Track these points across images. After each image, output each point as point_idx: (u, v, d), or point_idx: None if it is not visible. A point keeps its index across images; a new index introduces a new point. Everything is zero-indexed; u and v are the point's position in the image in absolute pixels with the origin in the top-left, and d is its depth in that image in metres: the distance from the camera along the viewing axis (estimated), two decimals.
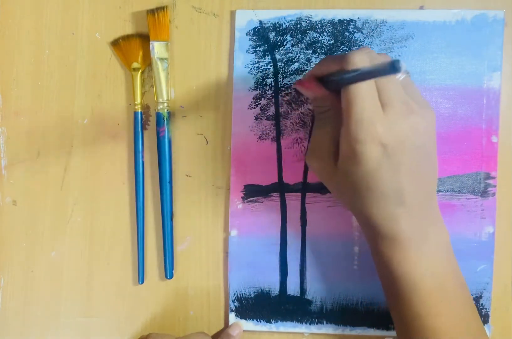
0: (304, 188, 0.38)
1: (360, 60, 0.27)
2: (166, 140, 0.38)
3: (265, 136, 0.38)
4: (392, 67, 0.23)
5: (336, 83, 0.29)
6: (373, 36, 0.37)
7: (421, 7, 0.38)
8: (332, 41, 0.38)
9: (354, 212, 0.31)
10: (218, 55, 0.39)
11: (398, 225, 0.29)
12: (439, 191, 0.37)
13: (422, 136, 0.28)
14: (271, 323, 0.38)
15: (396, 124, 0.27)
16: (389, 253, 0.30)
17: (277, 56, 0.38)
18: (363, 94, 0.27)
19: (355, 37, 0.37)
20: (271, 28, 0.38)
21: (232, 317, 0.38)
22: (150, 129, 0.39)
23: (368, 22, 0.37)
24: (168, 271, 0.38)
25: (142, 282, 0.39)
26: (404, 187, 0.28)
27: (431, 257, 0.30)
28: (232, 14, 0.38)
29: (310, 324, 0.38)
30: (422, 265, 0.29)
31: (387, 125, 0.27)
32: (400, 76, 0.29)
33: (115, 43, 0.39)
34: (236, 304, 0.38)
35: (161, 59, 0.38)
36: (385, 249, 0.30)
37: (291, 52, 0.38)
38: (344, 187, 0.30)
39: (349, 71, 0.27)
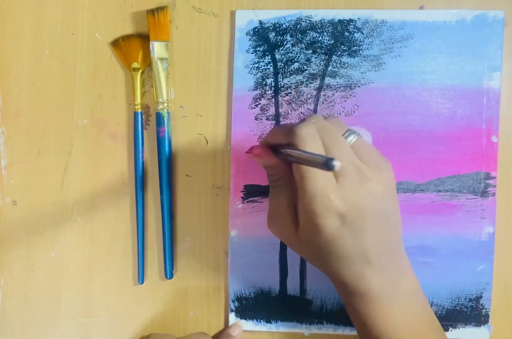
0: None
1: (307, 134, 0.27)
2: (166, 140, 0.38)
3: None
4: (325, 165, 0.23)
5: (284, 156, 0.29)
6: (373, 36, 0.37)
7: (421, 7, 0.38)
8: (332, 41, 0.38)
9: (322, 271, 0.31)
10: (218, 55, 0.39)
11: (367, 282, 0.29)
12: (439, 190, 0.37)
13: (380, 201, 0.28)
14: (271, 323, 0.38)
15: (351, 193, 0.27)
16: (362, 308, 0.30)
17: (277, 56, 0.38)
18: (312, 168, 0.27)
19: (355, 37, 0.37)
20: (271, 28, 0.38)
21: (232, 317, 0.38)
22: (150, 129, 0.39)
23: (368, 22, 0.37)
24: (168, 271, 0.38)
25: (142, 282, 0.39)
26: (367, 249, 0.28)
27: (403, 308, 0.30)
28: (232, 14, 0.38)
29: (310, 324, 0.38)
30: (395, 317, 0.29)
31: (342, 196, 0.27)
32: (350, 141, 0.29)
33: (115, 43, 0.39)
34: (236, 304, 0.38)
35: (161, 59, 0.38)
36: (358, 305, 0.30)
37: (291, 52, 0.38)
38: (308, 252, 0.30)
39: (293, 150, 0.27)
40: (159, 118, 0.38)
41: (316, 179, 0.27)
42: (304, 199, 0.27)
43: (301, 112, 0.38)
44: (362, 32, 0.37)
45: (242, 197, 0.38)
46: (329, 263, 0.29)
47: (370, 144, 0.30)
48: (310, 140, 0.27)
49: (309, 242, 0.29)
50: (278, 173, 0.30)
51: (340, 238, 0.27)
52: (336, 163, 0.22)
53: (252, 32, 0.38)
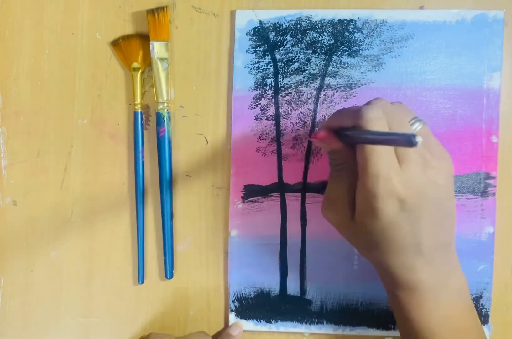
0: (304, 188, 0.38)
1: (374, 116, 0.27)
2: (166, 140, 0.38)
3: (265, 136, 0.38)
4: (408, 141, 0.22)
5: (350, 138, 0.28)
6: (373, 36, 0.37)
7: (421, 7, 0.38)
8: (332, 41, 0.38)
9: (372, 261, 0.31)
10: (218, 55, 0.39)
11: (417, 276, 0.29)
12: None
13: (440, 189, 0.28)
14: (271, 323, 0.38)
15: (413, 179, 0.27)
16: (407, 302, 0.29)
17: (277, 56, 0.38)
18: (379, 150, 0.26)
19: (355, 37, 0.37)
20: (271, 28, 0.38)
21: (232, 317, 0.38)
22: (150, 129, 0.39)
23: (368, 22, 0.37)
24: (168, 271, 0.38)
25: (142, 282, 0.39)
26: (422, 239, 0.28)
27: (449, 305, 0.29)
28: (232, 14, 0.38)
29: (310, 324, 0.38)
30: (440, 313, 0.29)
31: (404, 181, 0.26)
32: (417, 127, 0.28)
33: (115, 43, 0.39)
34: (236, 304, 0.38)
35: (161, 59, 0.38)
36: (404, 298, 0.29)
37: (291, 52, 0.38)
38: (361, 239, 0.30)
39: (364, 131, 0.27)
40: (159, 118, 0.38)
41: (381, 161, 0.26)
42: (366, 181, 0.27)
43: (301, 112, 0.38)
44: (362, 32, 0.37)
45: (242, 197, 0.38)
46: (381, 251, 0.29)
47: (432, 134, 0.30)
48: (378, 123, 0.27)
49: (364, 227, 0.28)
50: (341, 157, 0.30)
51: (396, 224, 0.27)
52: (419, 139, 0.22)
53: (252, 32, 0.38)
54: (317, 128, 0.38)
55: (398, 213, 0.27)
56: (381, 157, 0.26)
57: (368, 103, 0.29)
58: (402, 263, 0.28)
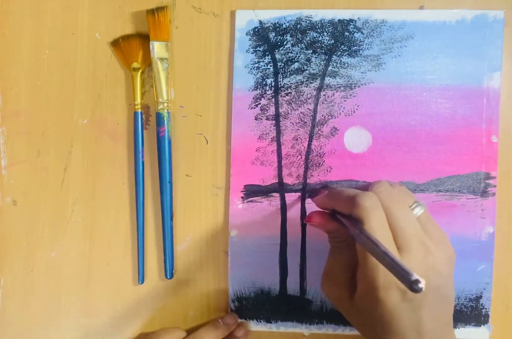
0: (304, 188, 0.38)
1: (370, 206, 0.26)
2: (166, 140, 0.38)
3: (265, 136, 0.38)
4: (411, 287, 0.21)
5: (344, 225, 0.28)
6: (373, 36, 0.37)
7: (421, 7, 0.38)
8: (332, 41, 0.38)
9: None
10: (218, 55, 0.39)
11: None
12: (439, 190, 0.37)
13: (441, 278, 0.27)
14: (271, 323, 0.38)
15: (415, 268, 0.26)
16: None
17: (277, 56, 0.38)
18: (378, 233, 0.26)
19: (355, 37, 0.37)
20: (271, 28, 0.38)
21: None
22: (150, 129, 0.39)
23: (368, 22, 0.37)
24: (168, 271, 0.38)
25: (142, 282, 0.39)
26: (423, 324, 0.27)
27: None
28: (232, 14, 0.38)
29: (310, 324, 0.38)
30: None
31: None
32: (418, 211, 0.28)
33: (115, 43, 0.39)
34: (236, 304, 0.38)
35: (161, 59, 0.38)
36: None
37: (291, 52, 0.38)
38: (360, 319, 0.29)
39: (356, 224, 0.26)
40: (159, 118, 0.38)
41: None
42: (366, 270, 0.26)
43: (301, 112, 0.38)
44: (362, 32, 0.37)
45: (242, 197, 0.38)
46: (381, 334, 0.28)
47: (431, 217, 0.29)
48: (372, 213, 0.26)
49: (364, 311, 0.28)
50: (340, 236, 0.30)
51: (397, 313, 0.27)
52: (422, 285, 0.21)
53: (252, 32, 0.38)
54: (316, 133, 0.38)
55: (399, 302, 0.26)
56: (380, 240, 0.26)
57: (366, 187, 0.28)
58: None
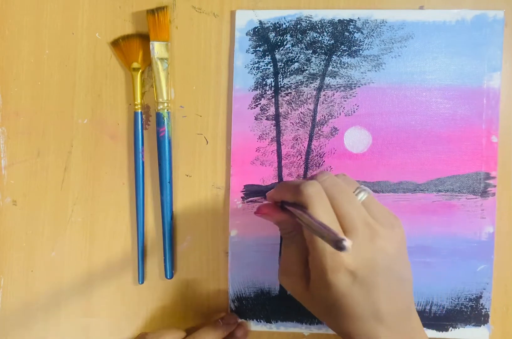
0: None
1: (312, 192, 0.27)
2: (166, 140, 0.38)
3: (265, 136, 0.38)
4: (335, 244, 0.22)
5: (292, 215, 0.29)
6: (373, 36, 0.37)
7: (421, 7, 0.38)
8: (332, 41, 0.38)
9: (333, 329, 0.30)
10: (218, 55, 0.39)
11: None
12: (439, 190, 0.37)
13: (391, 258, 0.27)
14: (271, 323, 0.38)
15: (361, 250, 0.26)
16: None
17: (277, 56, 0.38)
18: (323, 219, 0.26)
19: (355, 37, 0.37)
20: (271, 28, 0.38)
21: None
22: (150, 129, 0.39)
23: (368, 22, 0.37)
24: (168, 271, 0.38)
25: (142, 282, 0.39)
26: (380, 307, 0.27)
27: None
28: (232, 14, 0.38)
29: (310, 324, 0.38)
30: None
31: (352, 253, 0.26)
32: (360, 197, 0.28)
33: (115, 43, 0.39)
34: (236, 304, 0.38)
35: (161, 59, 0.38)
36: None
37: (291, 52, 0.38)
38: (317, 308, 0.30)
39: (301, 212, 0.27)
40: (159, 118, 0.38)
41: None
42: (315, 255, 0.27)
43: (301, 112, 0.38)
44: (362, 32, 0.37)
45: (242, 197, 0.38)
46: (340, 320, 0.28)
47: (378, 202, 0.30)
48: (316, 199, 0.27)
49: (320, 298, 0.28)
50: (290, 226, 0.30)
51: (350, 295, 0.27)
52: (348, 244, 0.22)
53: (252, 32, 0.38)
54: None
55: (351, 284, 0.27)
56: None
57: (310, 178, 0.29)
58: (362, 331, 0.28)
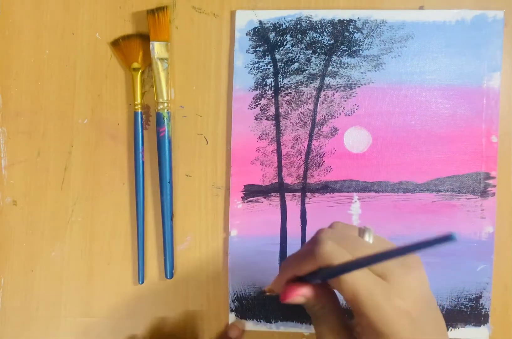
0: (304, 188, 0.38)
1: (332, 248, 0.25)
2: (166, 140, 0.38)
3: (265, 136, 0.38)
4: (447, 239, 0.20)
5: (320, 278, 0.26)
6: (373, 36, 0.37)
7: (421, 7, 0.38)
8: (332, 41, 0.38)
9: None
10: (218, 55, 0.39)
11: None
12: (439, 190, 0.37)
13: (427, 285, 0.26)
14: (271, 323, 0.38)
15: (404, 286, 0.25)
16: None
17: (277, 56, 0.38)
18: (358, 276, 0.25)
19: (355, 37, 0.37)
20: (271, 28, 0.38)
21: (232, 317, 0.38)
22: (150, 129, 0.39)
23: (368, 22, 0.37)
24: (168, 271, 0.38)
25: (142, 282, 0.39)
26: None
27: None
28: (232, 14, 0.38)
29: (310, 324, 0.38)
30: None
31: (399, 292, 0.25)
32: (368, 238, 0.27)
33: (115, 43, 0.39)
34: (236, 304, 0.38)
35: (161, 59, 0.38)
36: None
37: (291, 52, 0.38)
38: None
39: (328, 268, 0.25)
40: (159, 118, 0.38)
41: (368, 286, 0.24)
42: (366, 311, 0.25)
43: (301, 112, 0.38)
44: (362, 32, 0.37)
45: (242, 197, 0.38)
46: None
47: (381, 236, 0.28)
48: (339, 253, 0.25)
49: None
50: (322, 300, 0.28)
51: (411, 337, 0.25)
52: (455, 234, 0.20)
53: (252, 32, 0.38)
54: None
55: (410, 327, 0.25)
56: (366, 283, 0.25)
57: (314, 240, 0.27)
58: None
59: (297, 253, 0.28)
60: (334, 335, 0.27)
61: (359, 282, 0.24)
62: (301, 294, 0.27)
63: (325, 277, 0.26)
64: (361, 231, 0.27)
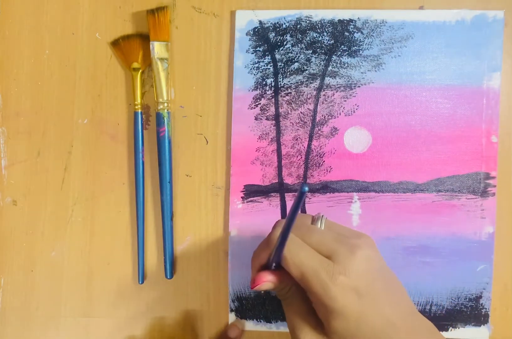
0: None
1: (278, 231, 0.28)
2: (166, 140, 0.38)
3: (265, 136, 0.38)
4: (299, 193, 0.23)
5: (276, 258, 0.29)
6: (373, 36, 0.37)
7: (421, 7, 0.38)
8: (332, 41, 0.38)
9: None
10: (218, 55, 0.39)
11: None
12: (439, 190, 0.37)
13: (377, 261, 0.28)
14: (271, 323, 0.38)
15: (349, 265, 0.27)
16: None
17: (277, 56, 0.38)
18: (304, 257, 0.27)
19: (355, 37, 0.37)
20: (271, 28, 0.38)
21: (232, 317, 0.38)
22: (150, 129, 0.39)
23: (368, 22, 0.37)
24: (168, 271, 0.38)
25: (142, 282, 0.39)
26: (388, 314, 0.27)
27: None
28: (232, 14, 0.38)
29: None
30: None
31: (344, 270, 0.27)
32: (320, 224, 0.29)
33: (115, 43, 0.39)
34: (236, 304, 0.38)
35: (161, 59, 0.38)
36: None
37: (291, 52, 0.38)
38: None
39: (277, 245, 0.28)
40: (159, 118, 0.38)
41: (314, 266, 0.27)
42: (316, 291, 0.27)
43: (301, 112, 0.38)
44: (362, 32, 0.37)
45: (242, 197, 0.38)
46: None
47: (335, 222, 0.31)
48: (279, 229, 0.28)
49: (340, 335, 0.27)
50: (286, 282, 0.30)
51: (363, 313, 0.27)
52: (305, 186, 0.23)
53: (252, 32, 0.38)
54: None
55: (359, 302, 0.27)
56: (311, 261, 0.27)
57: (272, 229, 0.30)
58: None
59: (259, 245, 0.31)
60: (299, 314, 0.30)
61: (305, 262, 0.27)
62: (267, 280, 0.29)
63: (275, 258, 0.28)
64: (314, 219, 0.30)
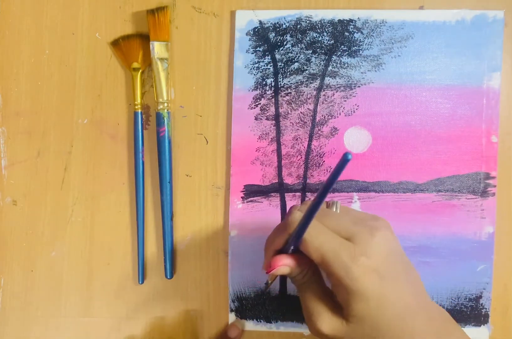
0: (304, 188, 0.38)
1: (298, 219, 0.27)
2: (166, 140, 0.38)
3: (265, 136, 0.38)
4: (344, 160, 0.21)
5: (294, 242, 0.28)
6: (373, 36, 0.37)
7: (421, 7, 0.38)
8: (332, 41, 0.38)
9: None
10: (218, 55, 0.39)
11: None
12: (439, 190, 0.37)
13: (396, 242, 0.28)
14: (271, 323, 0.38)
15: (370, 247, 0.27)
16: None
17: (277, 56, 0.38)
18: (324, 240, 0.27)
19: (355, 37, 0.37)
20: (271, 28, 0.38)
21: (232, 317, 0.38)
22: (150, 129, 0.39)
23: (368, 22, 0.37)
24: (168, 271, 0.38)
25: (142, 282, 0.39)
26: (408, 299, 0.27)
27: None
28: (232, 14, 0.38)
29: None
30: None
31: (365, 251, 0.26)
32: (336, 208, 0.30)
33: (115, 43, 0.39)
34: (236, 304, 0.38)
35: (161, 59, 0.38)
36: None
37: (291, 52, 0.38)
38: (372, 331, 0.27)
39: (295, 230, 0.27)
40: (159, 118, 0.38)
41: (335, 248, 0.27)
42: (337, 273, 0.26)
43: (301, 112, 0.38)
44: (362, 32, 0.37)
45: (242, 197, 0.38)
46: (383, 330, 0.27)
47: (349, 207, 0.31)
48: (299, 214, 0.28)
49: (359, 318, 0.27)
50: (303, 267, 0.30)
51: (384, 296, 0.26)
52: (348, 154, 0.21)
53: (252, 32, 0.38)
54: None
55: (381, 284, 0.26)
56: (331, 244, 0.27)
57: (287, 213, 0.30)
58: (400, 326, 0.27)
59: (273, 230, 0.31)
60: (316, 299, 0.29)
61: (325, 245, 0.27)
62: (284, 264, 0.29)
63: (295, 242, 0.28)
64: (329, 204, 0.30)
